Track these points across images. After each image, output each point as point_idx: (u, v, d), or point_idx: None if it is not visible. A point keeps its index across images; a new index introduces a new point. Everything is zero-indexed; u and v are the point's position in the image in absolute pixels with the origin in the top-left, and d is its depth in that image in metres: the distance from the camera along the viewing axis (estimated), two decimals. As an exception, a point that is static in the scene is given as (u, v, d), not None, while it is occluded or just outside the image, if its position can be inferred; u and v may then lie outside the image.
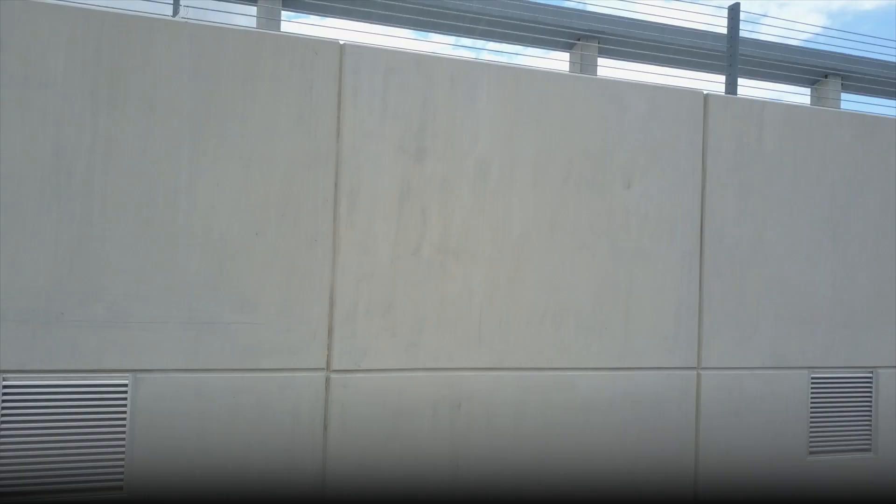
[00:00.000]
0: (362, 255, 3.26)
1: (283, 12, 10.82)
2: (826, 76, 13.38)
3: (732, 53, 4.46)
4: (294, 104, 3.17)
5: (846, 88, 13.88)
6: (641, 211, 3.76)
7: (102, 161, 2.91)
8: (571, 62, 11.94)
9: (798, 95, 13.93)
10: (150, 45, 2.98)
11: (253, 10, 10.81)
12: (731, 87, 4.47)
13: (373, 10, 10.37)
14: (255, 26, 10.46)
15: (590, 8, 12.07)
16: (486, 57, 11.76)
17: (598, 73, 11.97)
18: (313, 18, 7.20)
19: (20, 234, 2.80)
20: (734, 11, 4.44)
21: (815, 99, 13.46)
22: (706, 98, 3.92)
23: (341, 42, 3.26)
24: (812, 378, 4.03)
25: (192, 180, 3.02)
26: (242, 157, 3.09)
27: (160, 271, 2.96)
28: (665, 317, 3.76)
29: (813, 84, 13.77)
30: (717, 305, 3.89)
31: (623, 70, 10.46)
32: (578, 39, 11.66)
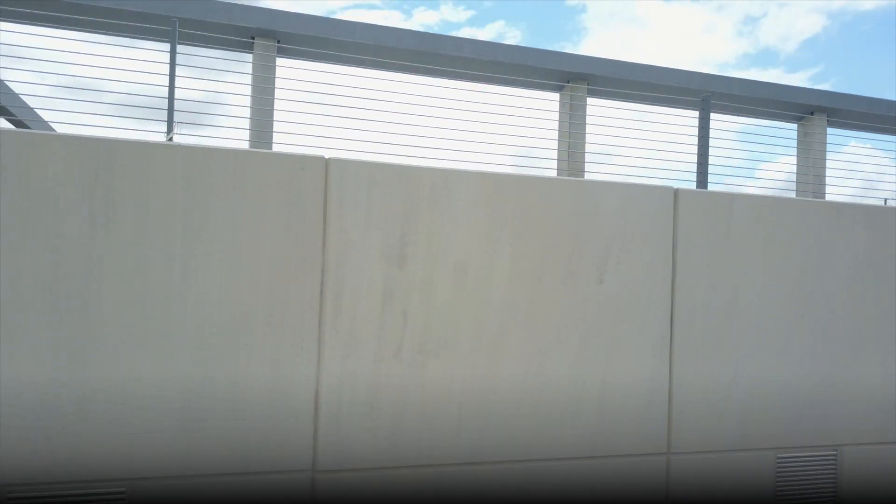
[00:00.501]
0: (346, 357, 3.44)
1: (277, 58, 11.07)
2: (812, 113, 13.65)
3: (703, 145, 4.67)
4: (281, 215, 3.36)
5: (832, 124, 14.15)
6: (614, 302, 3.95)
7: (98, 271, 3.10)
8: (561, 102, 12.20)
9: (786, 130, 14.21)
10: (144, 167, 3.17)
11: (249, 56, 11.06)
12: (703, 178, 4.67)
13: (364, 57, 10.62)
14: (250, 71, 10.70)
15: (580, 52, 12.32)
16: (479, 91, 11.98)
17: (588, 112, 12.19)
18: (303, 117, 7.61)
19: (21, 345, 2.99)
20: (706, 103, 4.65)
21: (802, 134, 13.72)
22: (676, 193, 4.13)
23: (326, 157, 3.46)
24: (778, 458, 4.21)
25: (184, 288, 3.21)
26: (232, 266, 3.28)
27: (153, 375, 3.14)
28: (637, 403, 3.95)
29: (799, 120, 14.05)
30: (687, 390, 4.07)
31: (611, 108, 10.70)
32: (568, 81, 11.92)
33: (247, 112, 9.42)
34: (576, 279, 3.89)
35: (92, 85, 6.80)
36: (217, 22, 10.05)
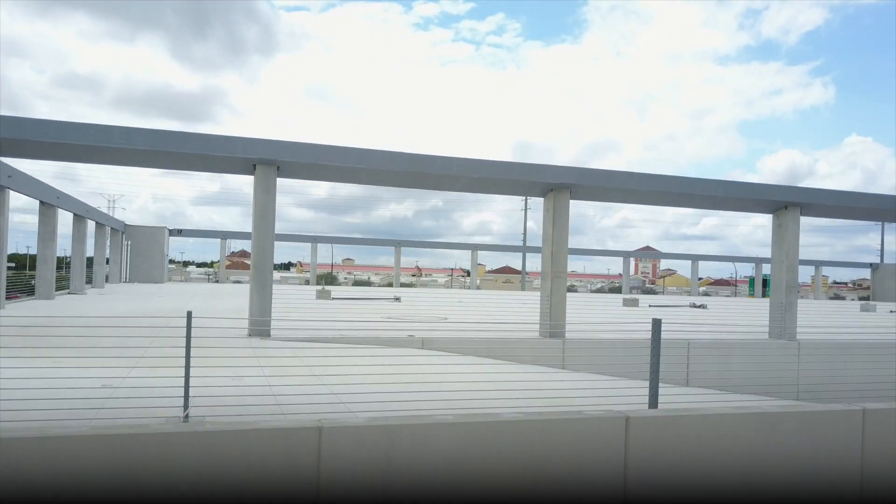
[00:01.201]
0: None
1: (277, 179, 11.79)
2: (786, 207, 14.39)
3: (654, 362, 5.30)
4: None
5: (804, 213, 14.88)
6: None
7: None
8: (546, 209, 12.89)
9: (763, 219, 14.88)
10: (161, 454, 3.80)
11: (250, 178, 11.78)
12: (653, 398, 5.27)
13: (361, 170, 11.31)
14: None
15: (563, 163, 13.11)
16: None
17: (570, 211, 12.90)
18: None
19: None
20: (657, 325, 5.30)
21: (777, 226, 14.44)
22: (627, 420, 4.75)
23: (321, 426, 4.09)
24: None
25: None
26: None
27: None
28: None
29: (774, 212, 14.78)
30: None
31: (593, 208, 11.38)
32: (552, 190, 12.63)
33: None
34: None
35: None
36: (223, 155, 10.76)
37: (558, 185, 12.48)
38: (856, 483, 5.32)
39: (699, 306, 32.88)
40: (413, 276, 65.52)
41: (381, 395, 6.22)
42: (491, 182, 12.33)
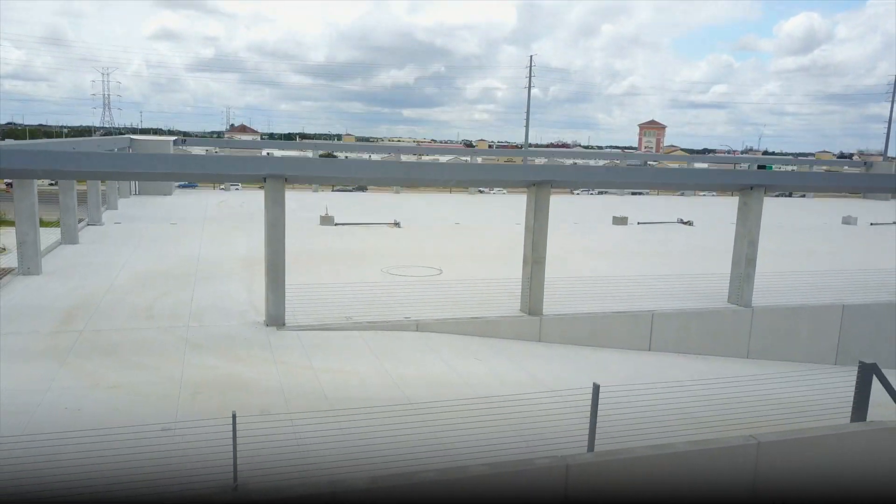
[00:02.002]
0: None
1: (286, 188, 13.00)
2: (752, 188, 15.72)
3: (592, 426, 7.00)
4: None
5: (768, 193, 16.23)
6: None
7: None
8: (528, 201, 14.22)
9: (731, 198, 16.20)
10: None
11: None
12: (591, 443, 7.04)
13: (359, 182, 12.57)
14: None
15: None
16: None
17: (552, 203, 14.25)
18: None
19: None
20: (596, 390, 6.96)
21: (743, 204, 15.83)
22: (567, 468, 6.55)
23: None
24: None
25: None
26: None
27: None
28: None
29: (741, 191, 16.10)
30: None
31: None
32: (534, 184, 13.94)
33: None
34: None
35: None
36: (239, 174, 11.95)
37: (540, 182, 13.72)
38: None
39: (686, 223, 34.60)
40: (416, 155, 65.52)
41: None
42: (480, 181, 13.56)
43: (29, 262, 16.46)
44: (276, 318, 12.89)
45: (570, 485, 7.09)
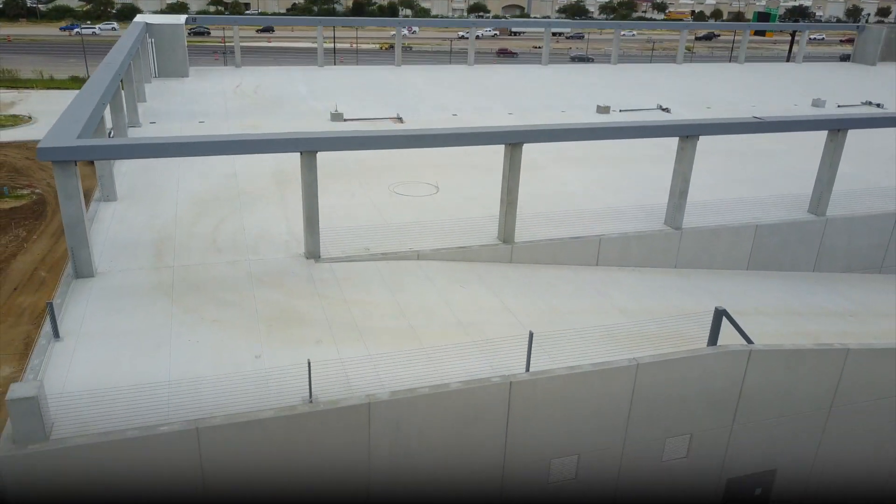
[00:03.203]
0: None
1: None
2: (687, 137, 19.36)
3: (527, 360, 11.70)
4: None
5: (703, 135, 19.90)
6: None
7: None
8: (505, 157, 18.09)
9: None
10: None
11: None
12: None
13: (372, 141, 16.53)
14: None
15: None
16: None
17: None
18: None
19: None
20: (531, 336, 11.55)
21: (680, 149, 19.63)
22: (511, 385, 11.41)
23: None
24: None
25: None
26: None
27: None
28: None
29: (679, 138, 19.77)
30: None
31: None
32: (510, 145, 17.73)
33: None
34: None
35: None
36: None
37: (514, 143, 17.55)
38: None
39: (664, 109, 37.80)
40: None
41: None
42: (464, 141, 17.74)
43: (108, 191, 20.58)
44: (313, 253, 17.31)
45: (513, 398, 11.98)
